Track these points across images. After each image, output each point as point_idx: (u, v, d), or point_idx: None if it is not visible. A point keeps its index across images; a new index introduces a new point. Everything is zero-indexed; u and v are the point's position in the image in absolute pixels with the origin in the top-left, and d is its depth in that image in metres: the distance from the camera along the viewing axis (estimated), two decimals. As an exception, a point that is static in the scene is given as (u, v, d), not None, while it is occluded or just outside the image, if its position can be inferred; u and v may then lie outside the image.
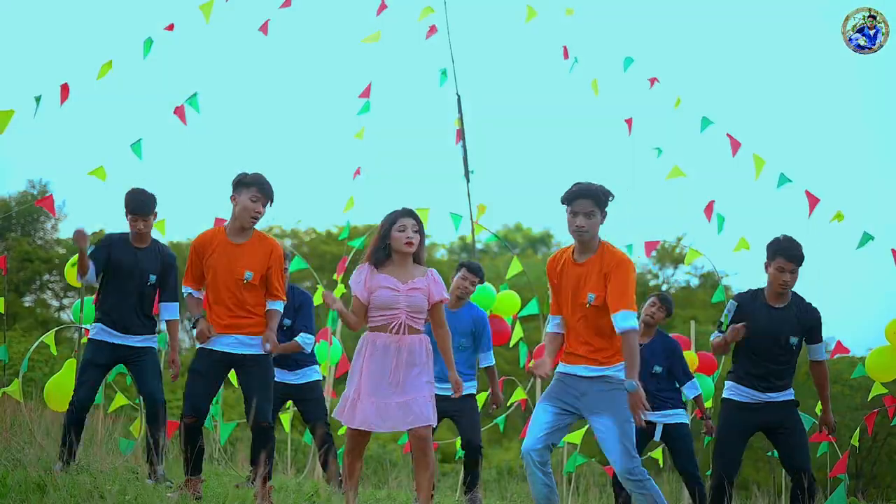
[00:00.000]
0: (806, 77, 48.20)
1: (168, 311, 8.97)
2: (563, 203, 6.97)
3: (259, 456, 7.50)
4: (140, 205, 8.84)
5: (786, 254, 7.95)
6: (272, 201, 7.73)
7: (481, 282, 9.87)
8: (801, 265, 7.96)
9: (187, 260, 7.79)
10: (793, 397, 8.05)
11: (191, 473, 7.59)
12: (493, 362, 9.84)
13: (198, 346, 7.73)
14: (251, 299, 7.67)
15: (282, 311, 7.81)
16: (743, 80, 50.28)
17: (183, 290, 7.89)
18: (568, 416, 6.99)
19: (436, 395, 7.08)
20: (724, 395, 8.18)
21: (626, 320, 6.70)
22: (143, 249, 8.91)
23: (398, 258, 6.99)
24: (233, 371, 7.80)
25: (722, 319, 8.13)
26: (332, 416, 7.29)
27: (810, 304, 8.09)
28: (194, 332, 7.75)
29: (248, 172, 7.71)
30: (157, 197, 8.93)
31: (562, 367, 7.07)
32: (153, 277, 8.85)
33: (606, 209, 6.93)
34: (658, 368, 9.46)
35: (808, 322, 8.00)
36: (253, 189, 7.60)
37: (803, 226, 11.37)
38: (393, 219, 7.01)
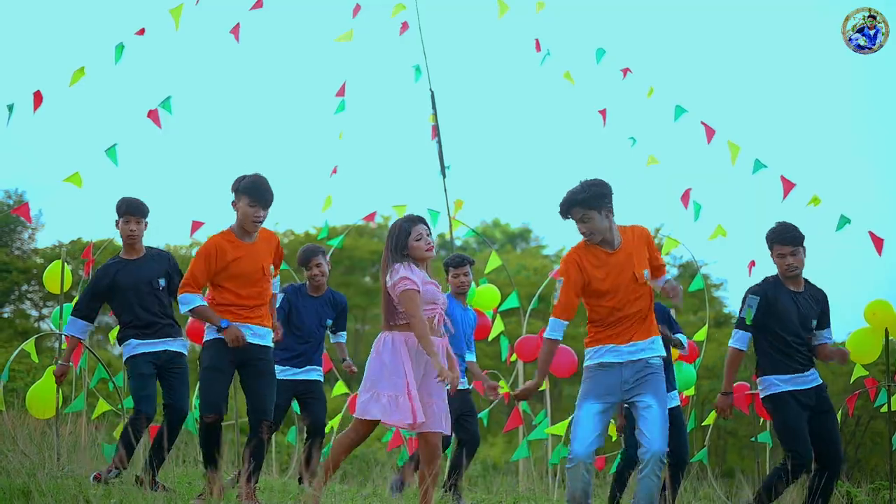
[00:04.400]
0: (784, 64, 48.36)
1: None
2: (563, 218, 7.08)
3: (247, 452, 7.51)
4: (132, 206, 8.79)
5: (779, 238, 8.11)
6: (270, 203, 7.86)
7: (463, 266, 9.81)
8: (800, 244, 8.11)
9: (194, 266, 7.75)
10: (821, 381, 8.22)
11: (209, 468, 7.63)
12: (475, 359, 9.91)
13: (208, 337, 7.78)
14: (264, 292, 7.93)
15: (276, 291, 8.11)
16: (718, 69, 50.41)
17: (187, 299, 7.74)
18: (611, 410, 7.06)
19: None
20: (767, 394, 8.18)
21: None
22: (136, 261, 8.80)
23: (419, 265, 7.00)
24: None
25: (744, 315, 8.15)
26: (355, 416, 7.16)
27: (819, 288, 8.31)
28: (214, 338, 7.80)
29: (245, 176, 7.87)
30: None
31: (596, 357, 7.07)
32: (162, 282, 8.75)
33: (605, 201, 6.96)
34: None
35: (822, 304, 8.23)
36: (248, 196, 7.77)
37: (779, 211, 11.37)
38: (407, 229, 7.00)
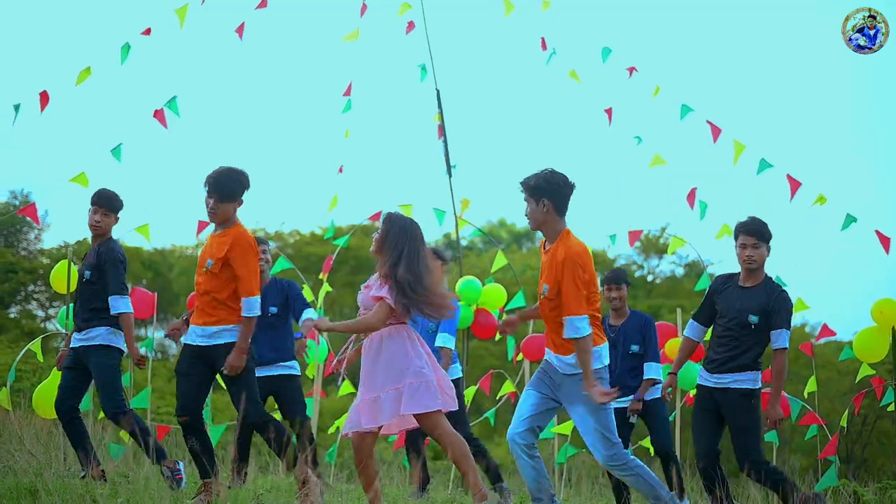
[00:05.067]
0: (787, 64, 48.33)
1: (115, 305, 8.76)
2: None
3: (280, 451, 7.51)
4: (101, 197, 8.86)
5: (745, 229, 8.05)
6: (226, 195, 7.69)
7: (444, 263, 9.75)
8: (763, 241, 8.02)
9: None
10: (748, 387, 7.93)
11: (202, 475, 7.59)
12: (450, 346, 9.72)
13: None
14: (214, 290, 7.62)
15: (253, 314, 7.64)
16: (723, 69, 50.42)
17: None
18: (552, 402, 7.08)
19: None
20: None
21: (571, 329, 6.86)
22: (92, 248, 8.91)
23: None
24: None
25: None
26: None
27: (781, 289, 8.06)
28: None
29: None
30: (124, 202, 8.97)
31: (546, 355, 7.19)
32: (87, 273, 8.77)
33: (545, 194, 7.00)
34: (635, 348, 9.48)
35: (771, 304, 7.92)
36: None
37: (786, 210, 11.36)
38: None
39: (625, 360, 9.46)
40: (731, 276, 8.19)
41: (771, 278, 8.14)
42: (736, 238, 8.11)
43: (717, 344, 8.08)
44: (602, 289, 9.49)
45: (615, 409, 9.33)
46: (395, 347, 6.86)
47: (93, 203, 8.87)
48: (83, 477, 8.39)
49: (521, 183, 7.10)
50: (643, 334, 9.57)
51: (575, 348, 6.90)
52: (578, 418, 6.98)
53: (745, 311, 7.94)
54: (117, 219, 8.94)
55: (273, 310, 9.74)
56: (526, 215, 7.13)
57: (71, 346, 8.92)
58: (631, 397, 9.41)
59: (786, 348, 7.89)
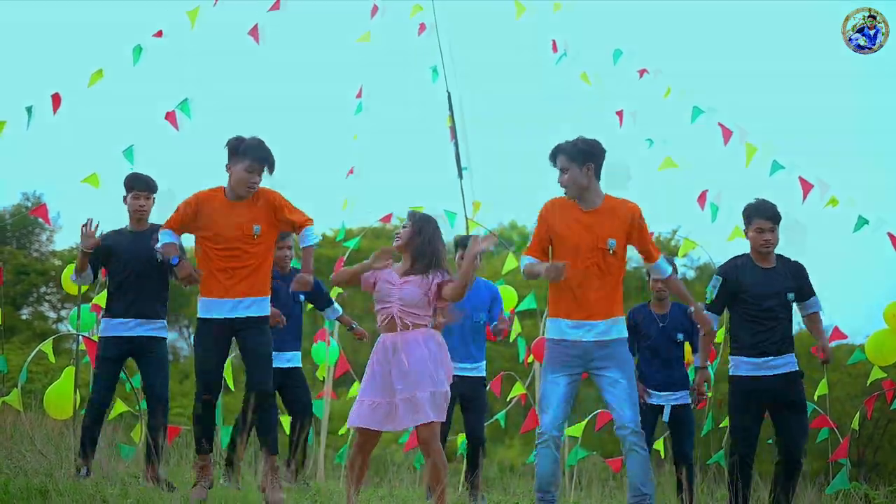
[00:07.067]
0: (798, 67, 48.24)
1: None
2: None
3: (260, 427, 7.45)
4: (141, 181, 8.83)
5: (761, 213, 8.08)
6: (271, 168, 7.56)
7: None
8: (778, 223, 8.10)
9: (178, 206, 7.63)
10: (796, 368, 8.08)
11: (200, 451, 7.54)
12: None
13: (198, 316, 7.59)
14: (256, 257, 7.51)
15: (314, 244, 7.68)
16: (735, 70, 50.28)
17: (162, 235, 7.67)
18: (577, 380, 7.00)
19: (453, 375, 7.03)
20: (729, 374, 8.20)
21: (665, 267, 7.15)
22: (142, 232, 8.78)
23: (404, 259, 7.06)
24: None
25: (708, 296, 8.27)
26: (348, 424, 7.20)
27: (795, 261, 8.22)
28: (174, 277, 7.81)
29: (243, 138, 7.55)
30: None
31: (559, 332, 7.05)
32: (159, 256, 8.54)
33: (588, 159, 6.99)
34: (680, 336, 9.45)
35: (798, 276, 8.13)
36: (247, 160, 7.47)
37: (796, 212, 11.32)
38: None
39: (669, 350, 9.42)
40: (741, 261, 8.21)
41: (780, 254, 8.22)
42: (749, 222, 8.15)
43: (761, 329, 8.06)
44: (650, 278, 9.57)
45: (649, 404, 9.34)
46: (434, 350, 6.85)
47: (132, 188, 8.83)
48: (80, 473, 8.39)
49: (560, 151, 7.07)
50: (686, 323, 9.54)
51: (670, 282, 7.27)
52: (612, 384, 6.87)
53: (783, 291, 8.06)
54: (154, 200, 8.94)
55: (302, 297, 9.75)
56: (562, 183, 7.07)
57: (121, 334, 8.75)
58: (662, 396, 9.37)
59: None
